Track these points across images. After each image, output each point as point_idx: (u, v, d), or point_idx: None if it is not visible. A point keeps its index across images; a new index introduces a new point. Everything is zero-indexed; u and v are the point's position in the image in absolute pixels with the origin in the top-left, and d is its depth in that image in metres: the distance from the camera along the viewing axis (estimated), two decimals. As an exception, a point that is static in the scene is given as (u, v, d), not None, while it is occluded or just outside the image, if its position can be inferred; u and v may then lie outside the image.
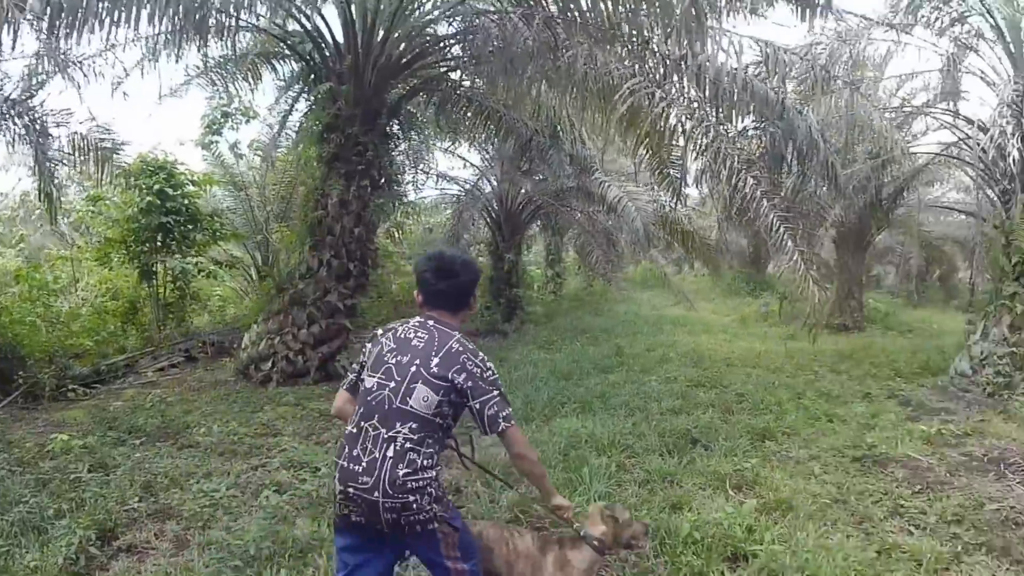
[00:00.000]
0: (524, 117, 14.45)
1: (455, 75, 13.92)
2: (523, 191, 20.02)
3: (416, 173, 18.14)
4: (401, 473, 3.09)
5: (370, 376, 3.34)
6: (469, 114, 14.61)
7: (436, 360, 3.25)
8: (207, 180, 15.80)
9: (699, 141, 9.96)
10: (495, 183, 20.67)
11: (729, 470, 7.38)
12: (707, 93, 10.15)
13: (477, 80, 13.32)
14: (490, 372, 3.35)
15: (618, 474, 7.11)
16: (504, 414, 3.28)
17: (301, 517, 5.91)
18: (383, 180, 12.39)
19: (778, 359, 14.60)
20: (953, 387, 11.88)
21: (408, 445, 3.14)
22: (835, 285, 22.04)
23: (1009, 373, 11.29)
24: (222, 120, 16.09)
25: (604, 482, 6.65)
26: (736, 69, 9.95)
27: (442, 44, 12.62)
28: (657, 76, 10.32)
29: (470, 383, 3.25)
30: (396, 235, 19.04)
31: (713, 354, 15.18)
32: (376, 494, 3.08)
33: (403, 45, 11.96)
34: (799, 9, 10.39)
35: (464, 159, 21.49)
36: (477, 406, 3.25)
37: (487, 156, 20.83)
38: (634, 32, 9.91)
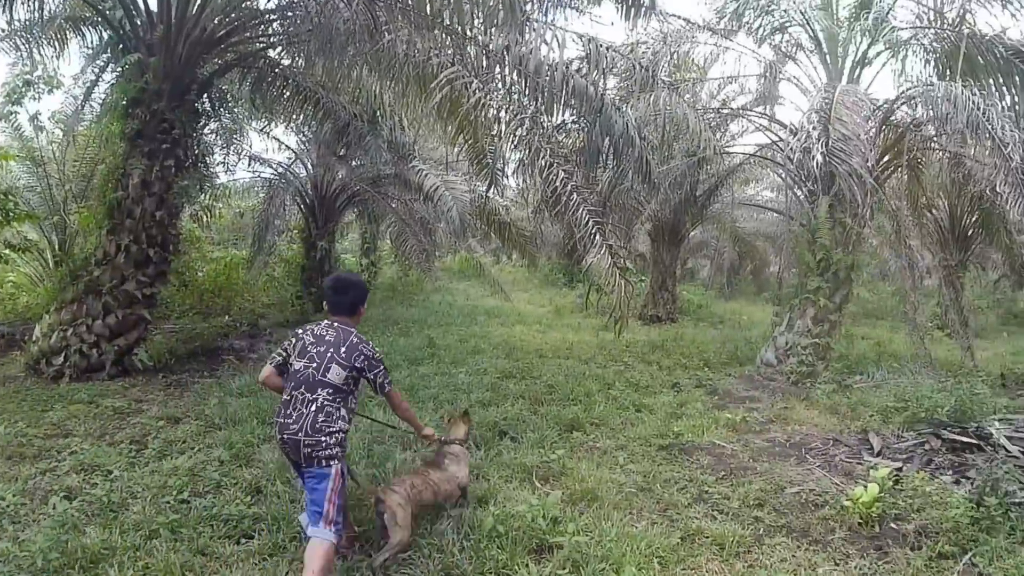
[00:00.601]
0: (344, 100, 14.20)
1: (273, 53, 13.48)
2: (339, 177, 19.46)
3: (228, 154, 17.74)
4: (319, 420, 4.72)
5: (298, 360, 4.92)
6: (286, 94, 14.08)
7: (343, 349, 4.89)
8: (2, 155, 14.53)
9: (515, 133, 9.91)
10: (311, 167, 19.95)
11: (536, 462, 7.39)
12: (526, 85, 10.18)
13: (298, 59, 12.84)
14: (377, 354, 5.05)
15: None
16: (387, 381, 5.14)
17: (92, 525, 5.55)
18: (189, 160, 11.76)
19: (590, 350, 14.88)
20: (759, 376, 12.52)
21: (325, 404, 4.78)
22: (650, 277, 22.86)
23: (812, 363, 12.00)
24: (23, 89, 14.77)
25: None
26: (557, 63, 10.03)
27: (261, 19, 12.21)
28: (478, 66, 10.24)
29: (366, 363, 4.95)
30: (204, 219, 18.03)
31: (526, 345, 15.29)
32: (300, 435, 4.67)
33: (219, 18, 11.47)
34: (623, 8, 10.60)
35: (280, 141, 20.60)
36: (371, 376, 5.01)
37: (304, 139, 20.19)
38: (455, 19, 9.83)
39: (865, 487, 6.47)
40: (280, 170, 19.82)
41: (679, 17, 13.68)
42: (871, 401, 10.34)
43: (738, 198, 23.95)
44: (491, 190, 14.98)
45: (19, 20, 12.02)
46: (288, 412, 4.78)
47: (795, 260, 13.16)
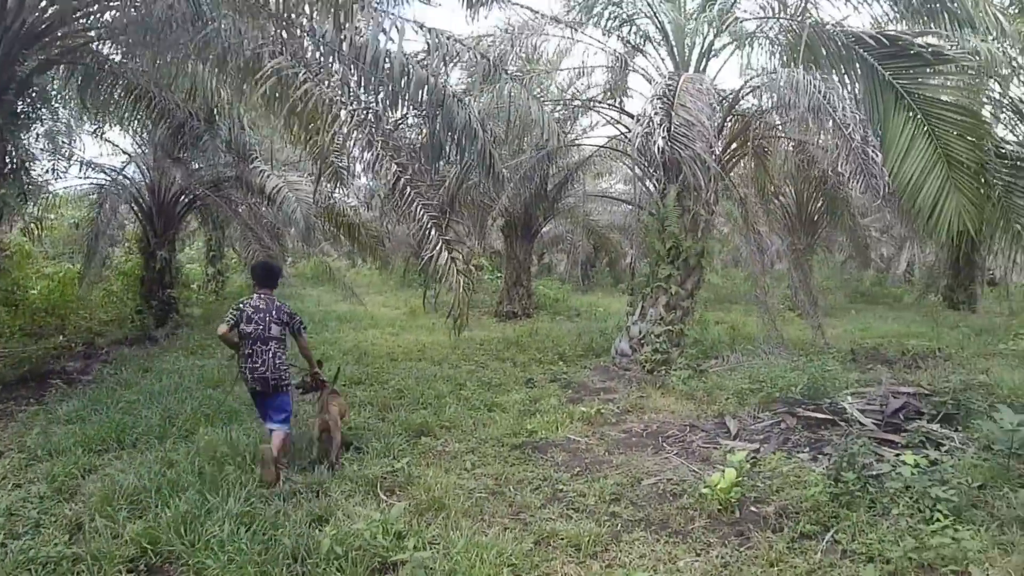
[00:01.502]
0: (178, 99, 13.28)
1: (102, 47, 12.37)
2: (176, 181, 17.97)
3: (56, 160, 16.41)
4: (277, 363, 7.07)
5: (247, 325, 6.97)
6: (117, 93, 13.19)
7: (274, 312, 7.11)
8: None
9: (347, 127, 9.40)
10: (147, 171, 18.59)
11: (381, 472, 7.01)
12: (362, 77, 9.72)
13: (123, 53, 12.03)
14: (294, 312, 7.34)
15: (259, 490, 6.47)
16: (302, 328, 7.39)
17: None
18: (9, 167, 10.87)
19: (444, 351, 14.51)
20: (615, 367, 12.39)
21: (276, 351, 7.08)
22: (504, 273, 22.68)
23: (666, 350, 11.95)
24: None
25: (240, 503, 5.99)
26: (396, 53, 9.55)
27: (84, 10, 10.94)
28: (310, 57, 9.69)
29: (288, 318, 7.20)
30: (36, 232, 16.83)
31: (377, 349, 14.84)
32: (268, 374, 7.02)
33: (39, 10, 10.46)
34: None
35: (114, 144, 19.50)
36: (294, 326, 7.25)
37: (140, 142, 18.91)
38: (281, 5, 9.20)
39: (723, 472, 6.35)
40: (113, 175, 18.57)
41: (527, 8, 13.42)
42: (727, 384, 10.36)
43: (590, 191, 23.98)
44: (335, 190, 14.49)
45: None
46: (254, 360, 7.03)
47: (647, 250, 13.10)
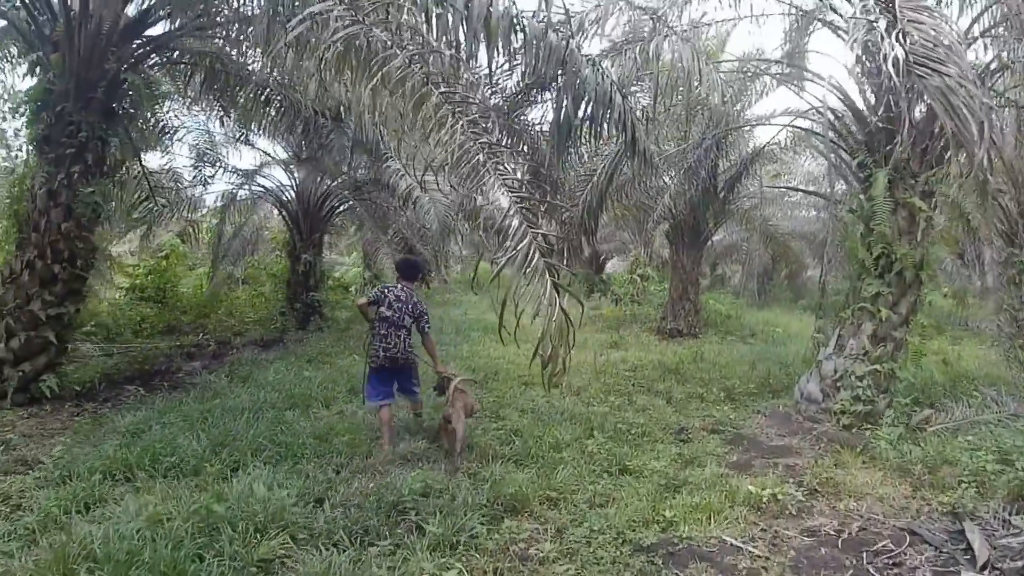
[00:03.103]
0: (307, 100, 12.06)
1: (212, 43, 11.69)
2: (321, 184, 17.62)
3: (202, 165, 17.23)
4: (407, 345, 7.75)
5: (387, 309, 7.64)
6: (246, 94, 12.44)
7: (410, 305, 7.75)
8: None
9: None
10: (295, 176, 18.18)
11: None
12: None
13: (246, 47, 11.17)
14: (426, 308, 8.03)
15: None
16: (427, 326, 8.03)
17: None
18: (103, 167, 10.32)
19: (586, 376, 11.73)
20: (799, 415, 9.14)
21: (405, 337, 7.72)
22: (668, 285, 19.50)
23: (871, 398, 8.55)
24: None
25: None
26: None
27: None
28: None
29: (419, 314, 7.82)
30: (191, 234, 18.77)
31: (513, 369, 12.23)
32: (399, 355, 7.69)
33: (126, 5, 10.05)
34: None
35: (264, 152, 19.05)
36: (421, 323, 7.86)
37: (283, 146, 18.38)
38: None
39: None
40: (265, 182, 18.65)
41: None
42: (956, 456, 7.00)
43: (767, 193, 20.34)
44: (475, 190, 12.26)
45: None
46: (388, 341, 7.61)
47: (845, 259, 9.76)
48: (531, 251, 5.45)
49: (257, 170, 18.61)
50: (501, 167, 6.22)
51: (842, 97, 9.40)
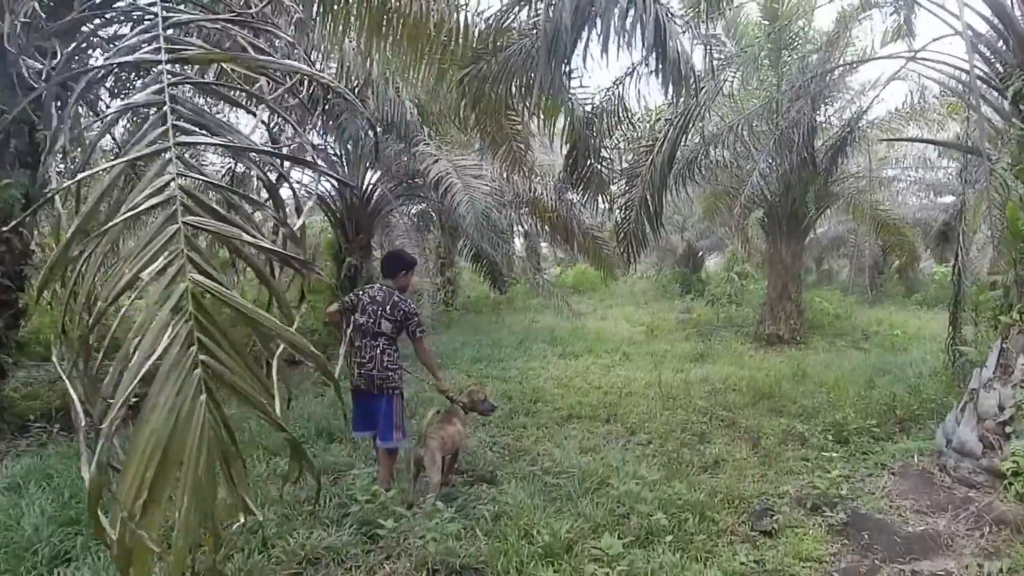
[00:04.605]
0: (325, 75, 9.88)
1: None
2: (375, 178, 15.16)
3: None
4: (385, 361, 5.82)
5: (360, 315, 5.92)
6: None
7: (388, 307, 5.91)
8: None
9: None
10: (345, 171, 15.68)
11: None
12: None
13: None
14: (413, 308, 6.02)
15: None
16: (419, 330, 5.96)
17: None
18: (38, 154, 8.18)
19: (653, 403, 8.99)
20: (945, 474, 6.00)
21: (385, 348, 5.84)
22: (767, 283, 16.30)
23: (1066, 452, 5.39)
24: None
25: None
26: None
27: None
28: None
29: (403, 316, 5.90)
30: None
31: (562, 396, 9.65)
32: (374, 372, 5.79)
33: None
34: None
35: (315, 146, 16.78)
36: (409, 327, 5.91)
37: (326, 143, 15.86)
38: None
39: None
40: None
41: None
42: None
43: (874, 177, 16.89)
44: (522, 174, 11.55)
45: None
46: (363, 355, 5.84)
47: (1000, 239, 6.60)
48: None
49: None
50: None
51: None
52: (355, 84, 11.27)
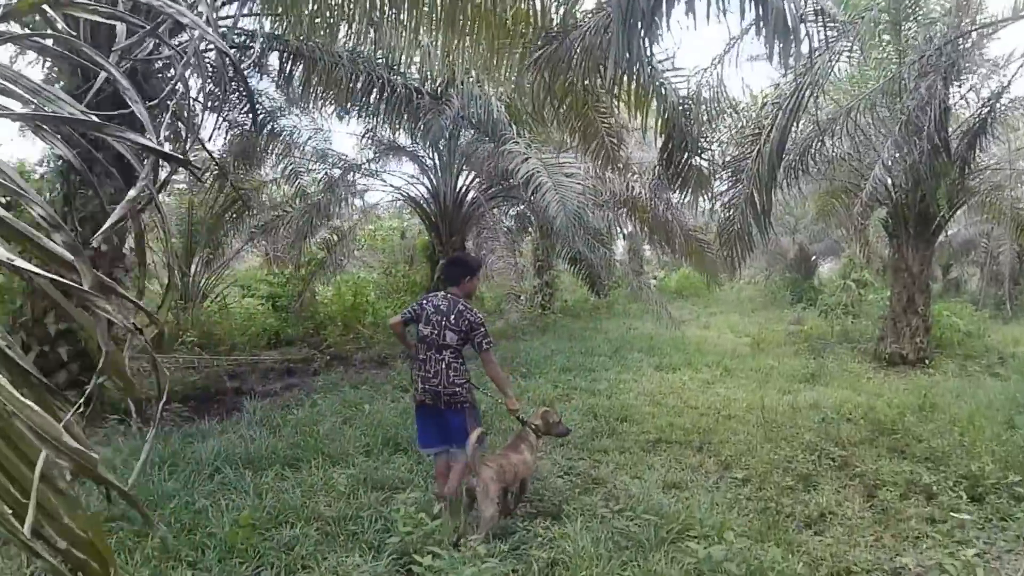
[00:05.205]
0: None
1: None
2: (471, 180, 15.37)
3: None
4: (451, 375, 5.42)
5: (424, 327, 5.52)
6: (359, 84, 10.95)
7: (452, 317, 5.46)
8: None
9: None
10: (434, 177, 15.75)
11: None
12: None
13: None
14: (479, 318, 5.51)
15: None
16: (485, 342, 5.47)
17: None
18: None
19: (755, 430, 7.94)
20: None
21: (451, 362, 5.43)
22: (890, 293, 14.64)
23: None
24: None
25: None
26: None
27: None
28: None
29: (469, 327, 5.44)
30: (337, 241, 17.08)
31: (653, 416, 8.68)
32: (440, 387, 5.40)
33: None
34: None
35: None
36: (472, 337, 5.45)
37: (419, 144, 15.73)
38: None
39: None
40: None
41: None
42: None
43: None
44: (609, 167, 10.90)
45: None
46: (427, 368, 5.47)
47: None
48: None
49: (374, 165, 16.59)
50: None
51: None
52: (439, 83, 11.34)
